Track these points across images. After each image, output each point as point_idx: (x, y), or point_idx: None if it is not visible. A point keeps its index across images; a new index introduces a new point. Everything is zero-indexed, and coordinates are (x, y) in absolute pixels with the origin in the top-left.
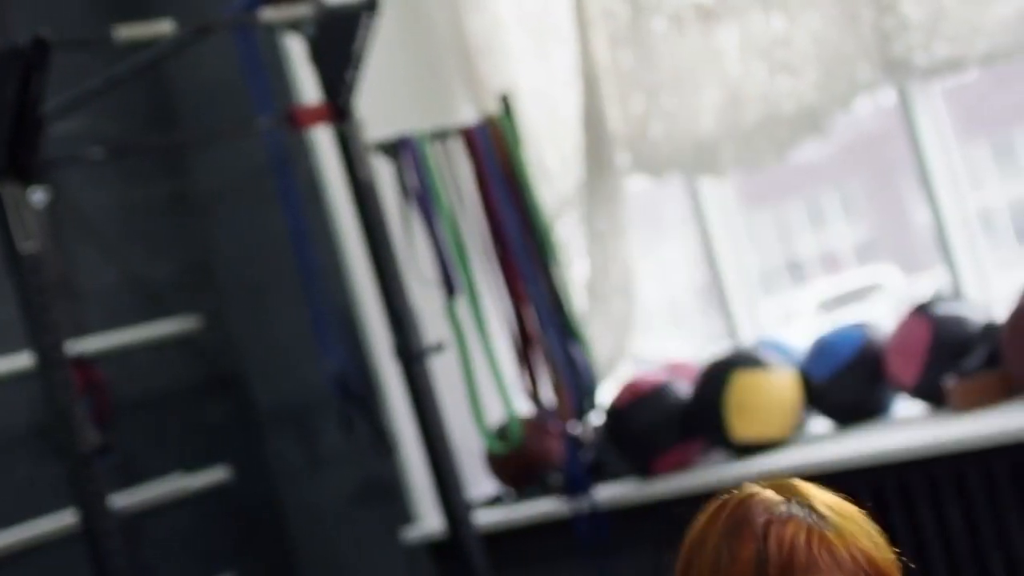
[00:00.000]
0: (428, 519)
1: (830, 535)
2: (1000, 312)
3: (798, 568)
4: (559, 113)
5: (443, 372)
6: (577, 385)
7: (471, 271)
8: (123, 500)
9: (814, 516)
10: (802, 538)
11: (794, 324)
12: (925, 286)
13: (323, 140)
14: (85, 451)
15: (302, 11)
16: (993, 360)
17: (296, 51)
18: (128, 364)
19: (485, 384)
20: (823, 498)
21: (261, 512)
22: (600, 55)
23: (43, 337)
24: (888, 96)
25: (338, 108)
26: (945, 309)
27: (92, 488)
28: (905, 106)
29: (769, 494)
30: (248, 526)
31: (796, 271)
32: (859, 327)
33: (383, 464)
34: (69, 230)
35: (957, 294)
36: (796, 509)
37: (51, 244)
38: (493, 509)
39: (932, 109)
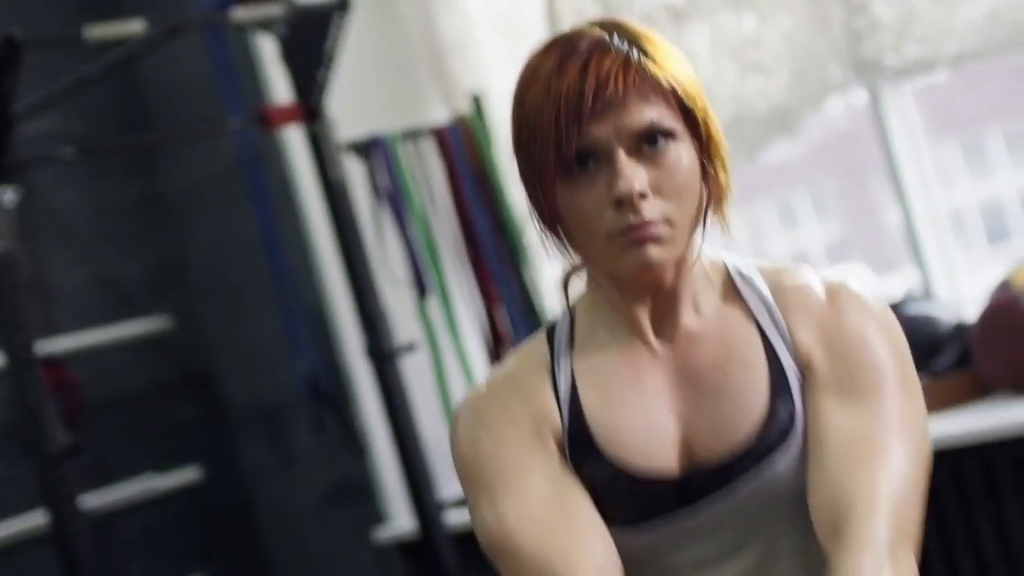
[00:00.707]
0: (399, 519)
1: (646, 64)
2: (970, 312)
3: (613, 98)
4: None
5: (414, 372)
6: None
7: (442, 271)
8: (94, 500)
9: (634, 48)
10: (618, 66)
11: None
12: (896, 286)
13: (294, 140)
14: (55, 451)
15: (273, 11)
16: (963, 360)
17: (267, 51)
18: (99, 364)
19: (456, 384)
20: (647, 35)
21: (232, 512)
22: None
23: (13, 337)
24: (859, 96)
25: (309, 108)
26: (915, 309)
27: (62, 489)
28: (876, 107)
29: (596, 31)
30: (219, 526)
31: None
32: None
33: (354, 464)
34: (40, 230)
35: (927, 294)
36: (618, 42)
37: (22, 244)
38: (465, 509)
39: (902, 110)
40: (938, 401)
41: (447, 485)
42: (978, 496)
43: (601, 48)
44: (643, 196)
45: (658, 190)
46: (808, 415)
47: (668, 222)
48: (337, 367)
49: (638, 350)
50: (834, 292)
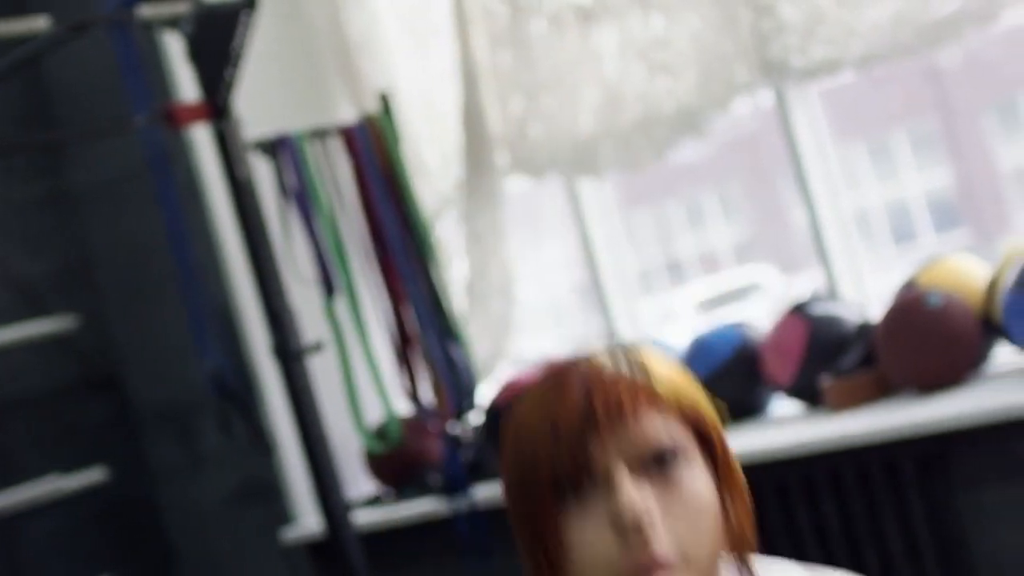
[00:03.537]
0: (307, 519)
1: (650, 381)
2: (875, 312)
3: (616, 416)
4: (438, 112)
5: (322, 372)
6: (456, 385)
7: (350, 270)
8: None
9: (640, 372)
10: (620, 384)
11: (673, 323)
12: (802, 286)
13: (201, 139)
14: None
15: (180, 8)
16: (868, 360)
17: (174, 49)
18: (4, 363)
19: (364, 384)
20: (651, 357)
21: (139, 513)
22: (480, 55)
23: None
24: (765, 98)
25: (216, 106)
26: (821, 309)
27: None
28: (782, 107)
29: (595, 357)
30: (126, 527)
31: (675, 271)
32: (736, 327)
33: (262, 464)
34: None
35: (833, 294)
36: (617, 361)
37: None
38: (372, 509)
39: (808, 111)
40: (843, 400)
41: (354, 485)
42: (882, 493)
43: (599, 367)
44: (650, 521)
45: (670, 514)
46: None
47: (685, 558)
48: (244, 366)
49: None
50: None
